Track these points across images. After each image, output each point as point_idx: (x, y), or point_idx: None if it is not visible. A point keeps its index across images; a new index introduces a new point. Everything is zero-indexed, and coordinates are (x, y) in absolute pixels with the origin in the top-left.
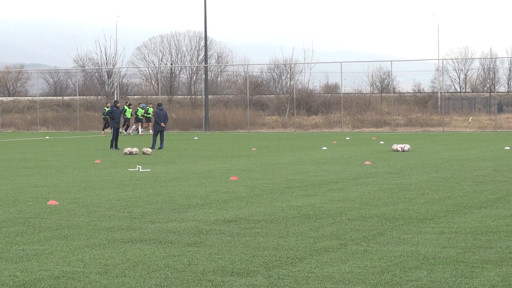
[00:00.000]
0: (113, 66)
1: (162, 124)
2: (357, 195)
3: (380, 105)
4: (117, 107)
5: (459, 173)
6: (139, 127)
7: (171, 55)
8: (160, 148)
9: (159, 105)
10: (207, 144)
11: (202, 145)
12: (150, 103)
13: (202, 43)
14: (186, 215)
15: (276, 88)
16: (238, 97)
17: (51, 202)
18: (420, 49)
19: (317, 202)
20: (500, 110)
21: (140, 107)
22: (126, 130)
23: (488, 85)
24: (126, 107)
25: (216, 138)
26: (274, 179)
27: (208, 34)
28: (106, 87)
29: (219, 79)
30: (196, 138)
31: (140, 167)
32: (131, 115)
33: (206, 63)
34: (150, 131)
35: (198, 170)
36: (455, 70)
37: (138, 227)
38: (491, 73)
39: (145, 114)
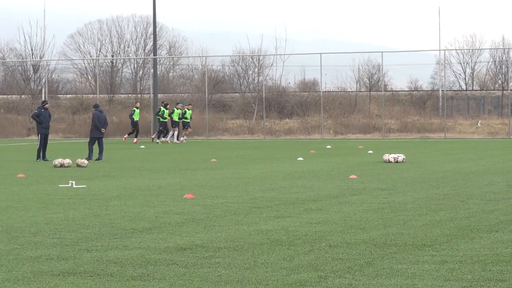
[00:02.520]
0: (40, 58)
1: (103, 130)
2: (340, 216)
3: (369, 106)
4: (46, 109)
5: (465, 189)
6: (175, 133)
7: (112, 45)
8: (98, 159)
9: (97, 106)
10: (156, 154)
11: (150, 156)
12: (190, 104)
13: (150, 30)
14: (130, 242)
15: (241, 85)
16: (195, 97)
17: None
18: (417, 38)
19: (291, 225)
20: None
21: (178, 108)
22: (160, 137)
23: (500, 82)
24: (162, 108)
25: (167, 146)
26: (239, 197)
27: (157, 19)
28: (32, 84)
29: (171, 74)
30: (142, 146)
31: (74, 182)
32: (167, 118)
33: (155, 54)
34: (182, 138)
35: (145, 186)
36: (460, 63)
37: (71, 256)
38: (503, 66)
39: (183, 119)
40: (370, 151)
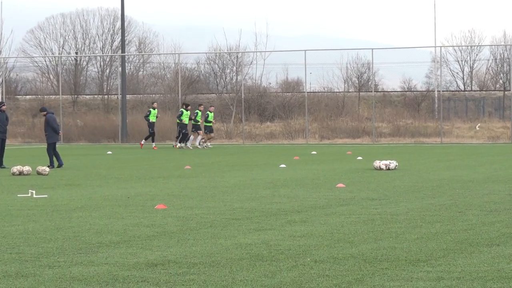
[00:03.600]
0: None
1: (60, 133)
2: (327, 229)
3: (358, 108)
4: (2, 111)
5: (463, 199)
6: (199, 137)
7: (76, 41)
8: (59, 166)
9: (44, 109)
10: (124, 161)
11: (118, 162)
12: (212, 106)
13: (118, 24)
14: (97, 257)
15: (217, 85)
16: (167, 98)
17: None
18: (411, 33)
19: (273, 238)
20: None
21: (201, 110)
22: (182, 141)
23: (501, 81)
24: (183, 109)
25: (137, 152)
26: (216, 207)
27: (126, 13)
28: None
29: (140, 73)
30: (109, 152)
31: (34, 192)
32: (190, 120)
33: (123, 51)
34: (208, 143)
35: (113, 196)
36: (458, 61)
37: (31, 273)
38: (505, 65)
39: (205, 123)
40: (360, 158)
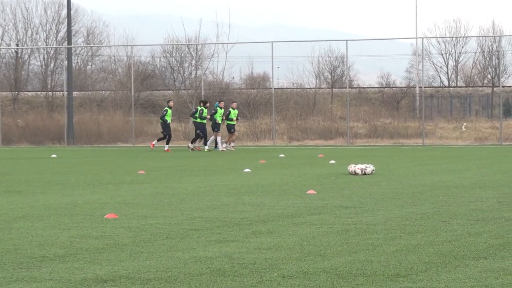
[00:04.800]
0: None
1: None
2: (296, 240)
3: (331, 106)
4: None
5: (447, 207)
6: (218, 138)
7: (17, 32)
8: None
9: None
10: (71, 165)
11: (63, 167)
12: (234, 102)
13: (64, 13)
14: (39, 272)
15: (175, 80)
16: (118, 95)
17: None
18: (390, 23)
19: (236, 251)
20: (508, 113)
21: (221, 106)
22: (196, 142)
23: (489, 77)
24: (201, 107)
25: (84, 155)
26: (172, 217)
27: (72, 0)
28: None
29: (89, 67)
30: (54, 155)
31: None
32: (207, 118)
33: (69, 43)
34: (231, 144)
35: (57, 204)
36: (441, 54)
37: None
38: (494, 58)
39: (227, 121)
40: (332, 161)
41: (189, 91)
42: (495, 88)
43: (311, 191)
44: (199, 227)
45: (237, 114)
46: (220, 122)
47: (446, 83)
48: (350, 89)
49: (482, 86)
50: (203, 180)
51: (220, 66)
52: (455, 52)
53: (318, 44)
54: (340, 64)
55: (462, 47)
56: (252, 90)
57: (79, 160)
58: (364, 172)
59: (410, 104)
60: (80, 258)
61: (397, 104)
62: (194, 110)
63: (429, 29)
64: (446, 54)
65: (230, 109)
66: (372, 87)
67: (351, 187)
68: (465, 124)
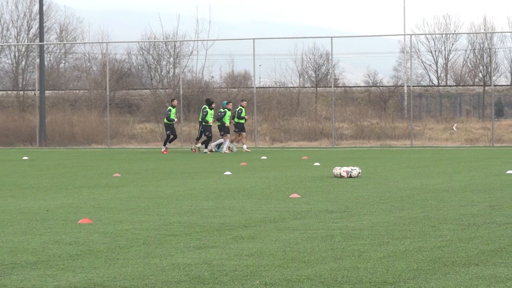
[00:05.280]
0: None
1: None
2: (279, 246)
3: (315, 106)
4: None
5: (437, 212)
6: (227, 141)
7: None
8: None
9: None
10: (43, 168)
11: (35, 169)
12: (244, 101)
13: (36, 8)
14: (10, 280)
15: (152, 79)
16: (93, 94)
17: None
18: (377, 20)
19: (217, 257)
20: (500, 113)
21: (229, 108)
22: (205, 144)
23: (481, 75)
24: (206, 107)
25: (57, 158)
26: (150, 222)
27: None
28: None
29: (62, 65)
30: (25, 158)
31: None
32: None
33: (41, 40)
34: (244, 146)
35: (29, 209)
36: (431, 52)
37: None
38: (485, 56)
39: (236, 119)
40: (317, 163)
41: (166, 90)
42: (486, 87)
43: (294, 195)
44: (178, 233)
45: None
46: (228, 124)
47: (435, 82)
48: (335, 88)
49: (473, 85)
50: (181, 184)
51: (199, 64)
52: (445, 50)
53: (301, 41)
54: (325, 62)
55: (452, 44)
56: (233, 89)
57: (52, 163)
58: (350, 175)
59: (398, 104)
60: (53, 265)
61: (384, 104)
62: (204, 113)
63: (418, 25)
64: (435, 51)
65: (241, 107)
66: (358, 86)
67: (337, 190)
68: (455, 125)
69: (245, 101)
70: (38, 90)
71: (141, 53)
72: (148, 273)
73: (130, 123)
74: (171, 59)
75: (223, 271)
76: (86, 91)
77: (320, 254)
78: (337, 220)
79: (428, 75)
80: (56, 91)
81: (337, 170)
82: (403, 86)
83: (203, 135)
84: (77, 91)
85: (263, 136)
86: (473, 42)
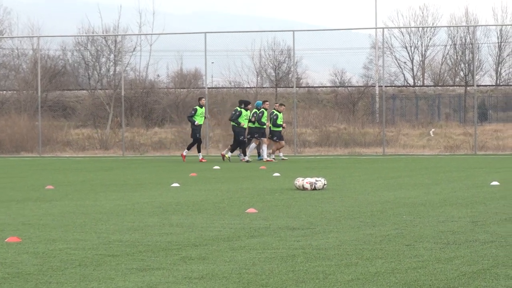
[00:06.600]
0: None
1: None
2: (233, 268)
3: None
4: None
5: (412, 229)
6: (264, 146)
7: None
8: None
9: None
10: None
11: None
12: (282, 104)
13: None
14: None
15: (90, 78)
16: (22, 96)
17: None
18: (345, 12)
19: (162, 280)
20: (483, 117)
21: (266, 108)
22: (240, 149)
23: (462, 74)
24: (239, 109)
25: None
26: (86, 240)
27: None
28: None
29: None
30: None
31: None
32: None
33: None
34: (281, 154)
35: None
36: (406, 48)
37: None
38: (467, 52)
39: (274, 127)
40: (277, 174)
41: (106, 91)
42: (468, 88)
43: (251, 210)
44: (118, 253)
45: (283, 120)
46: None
47: (411, 81)
48: (297, 88)
49: (454, 85)
50: (123, 197)
51: (143, 61)
52: (422, 45)
53: (260, 36)
54: (286, 59)
55: (430, 39)
56: (182, 89)
57: None
58: (314, 187)
59: (368, 107)
60: None
61: (353, 106)
62: (238, 114)
63: (391, 17)
64: (411, 47)
65: (276, 111)
66: (323, 87)
67: (299, 204)
68: (433, 130)
69: (284, 105)
70: None
71: (78, 48)
72: None
73: (64, 128)
74: (112, 56)
75: None
76: (15, 91)
77: (280, 276)
78: (299, 238)
79: (403, 73)
80: None
81: (300, 181)
82: (374, 86)
83: (240, 139)
84: (4, 91)
85: (216, 143)
86: (454, 37)
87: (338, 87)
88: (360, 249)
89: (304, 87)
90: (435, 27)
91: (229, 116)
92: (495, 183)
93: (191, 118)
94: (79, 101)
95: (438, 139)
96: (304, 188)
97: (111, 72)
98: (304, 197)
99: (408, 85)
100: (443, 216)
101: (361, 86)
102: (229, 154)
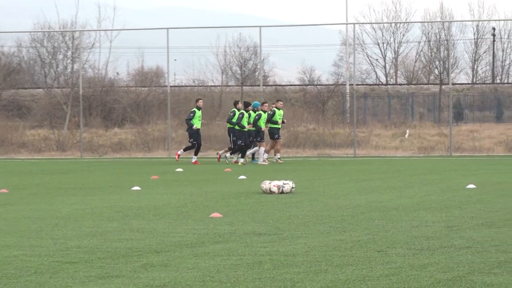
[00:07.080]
0: None
1: None
2: (197, 275)
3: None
4: None
5: (384, 234)
6: (262, 149)
7: None
8: None
9: None
10: None
11: None
12: (280, 101)
13: None
14: None
15: (46, 76)
16: None
17: None
18: (314, 7)
19: None
20: (459, 117)
21: (265, 110)
22: (242, 154)
23: (437, 72)
24: (235, 109)
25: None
26: (43, 247)
27: None
28: None
29: None
30: None
31: None
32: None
33: None
34: (277, 155)
35: None
36: (378, 44)
37: None
38: (442, 49)
39: (271, 124)
40: (243, 177)
41: (63, 89)
42: (443, 86)
43: (215, 214)
44: (76, 260)
45: (283, 116)
46: (264, 128)
47: (383, 79)
48: (264, 87)
49: (428, 84)
50: (81, 201)
51: (102, 58)
52: (394, 42)
53: (224, 31)
54: (252, 56)
55: (403, 35)
56: (143, 88)
57: None
58: (282, 190)
59: (338, 106)
60: None
61: (322, 106)
62: (232, 114)
63: (363, 13)
64: (383, 43)
65: (275, 109)
66: (291, 85)
67: (266, 209)
68: (408, 131)
69: (281, 101)
70: None
71: (33, 45)
72: None
73: (19, 129)
74: (69, 53)
75: None
76: None
77: (246, 284)
78: (266, 244)
79: (375, 71)
80: None
81: (266, 184)
82: (345, 84)
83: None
84: None
85: (179, 144)
86: (428, 33)
87: (307, 85)
88: (329, 256)
89: (271, 85)
90: (409, 22)
91: (228, 119)
92: (471, 186)
93: (189, 121)
94: (34, 100)
95: (412, 140)
96: (271, 192)
97: (69, 70)
98: (271, 201)
99: (380, 83)
100: (417, 221)
101: (331, 85)
102: (228, 155)
